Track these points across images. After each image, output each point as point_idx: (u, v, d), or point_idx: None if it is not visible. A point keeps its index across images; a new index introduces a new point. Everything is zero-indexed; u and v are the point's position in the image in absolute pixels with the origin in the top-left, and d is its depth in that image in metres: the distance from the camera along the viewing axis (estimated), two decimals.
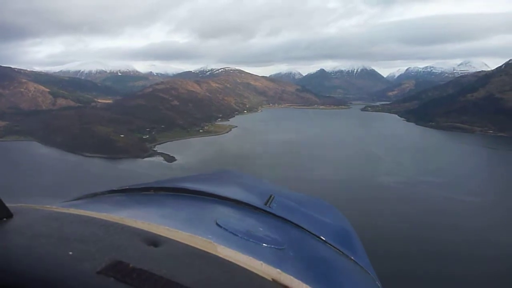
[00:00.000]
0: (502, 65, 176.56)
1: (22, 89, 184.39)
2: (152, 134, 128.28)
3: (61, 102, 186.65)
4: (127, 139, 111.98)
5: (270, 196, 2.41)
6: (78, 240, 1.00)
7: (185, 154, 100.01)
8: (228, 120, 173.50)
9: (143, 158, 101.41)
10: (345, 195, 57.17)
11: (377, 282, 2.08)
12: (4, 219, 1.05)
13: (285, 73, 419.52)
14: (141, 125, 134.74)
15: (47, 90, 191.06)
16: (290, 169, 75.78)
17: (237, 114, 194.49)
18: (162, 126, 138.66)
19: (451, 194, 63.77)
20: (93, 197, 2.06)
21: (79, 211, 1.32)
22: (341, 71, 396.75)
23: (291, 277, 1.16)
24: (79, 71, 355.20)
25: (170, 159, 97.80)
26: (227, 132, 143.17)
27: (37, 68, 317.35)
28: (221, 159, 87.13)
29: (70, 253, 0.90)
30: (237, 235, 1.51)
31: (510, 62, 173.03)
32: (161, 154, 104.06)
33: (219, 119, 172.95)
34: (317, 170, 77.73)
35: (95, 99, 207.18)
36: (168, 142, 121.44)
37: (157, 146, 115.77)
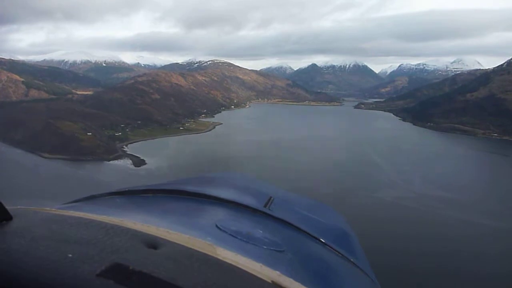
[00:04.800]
0: (504, 63, 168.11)
1: None
2: (125, 132, 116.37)
3: (34, 93, 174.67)
4: (94, 138, 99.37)
5: (270, 198, 2.44)
6: (78, 242, 1.00)
7: (158, 156, 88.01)
8: (213, 117, 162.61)
9: (109, 160, 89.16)
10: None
11: (376, 285, 2.11)
12: (4, 221, 1.05)
13: (276, 67, 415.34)
14: (116, 121, 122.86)
15: (21, 79, 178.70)
16: (277, 179, 64.12)
17: (223, 110, 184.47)
18: (138, 122, 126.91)
19: (467, 216, 53.09)
20: (93, 199, 2.08)
21: (79, 213, 1.33)
22: (333, 66, 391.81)
23: (291, 279, 1.17)
24: (63, 60, 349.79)
25: (139, 162, 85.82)
26: (210, 130, 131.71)
27: (20, 57, 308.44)
28: (198, 164, 75.59)
29: (70, 255, 0.90)
30: (237, 237, 1.53)
31: None
32: (130, 156, 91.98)
33: (203, 115, 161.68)
34: (307, 180, 66.28)
35: (74, 91, 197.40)
36: (141, 141, 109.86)
37: (128, 145, 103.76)
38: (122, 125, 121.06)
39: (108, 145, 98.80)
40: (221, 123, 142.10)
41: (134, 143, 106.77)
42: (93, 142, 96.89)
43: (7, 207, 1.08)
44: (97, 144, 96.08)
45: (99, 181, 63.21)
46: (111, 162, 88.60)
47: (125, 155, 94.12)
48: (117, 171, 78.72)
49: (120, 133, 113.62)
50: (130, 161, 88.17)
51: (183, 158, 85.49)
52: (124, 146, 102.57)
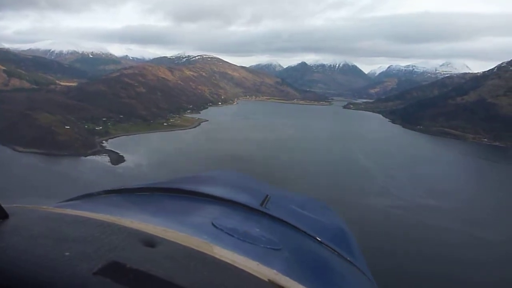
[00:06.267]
0: (494, 68, 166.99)
1: None
2: (106, 126, 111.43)
3: (15, 82, 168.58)
4: (72, 132, 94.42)
5: (266, 197, 2.46)
6: (75, 240, 1.00)
7: (138, 153, 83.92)
8: (199, 113, 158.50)
9: (86, 156, 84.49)
10: None
11: (373, 283, 2.12)
12: (0, 220, 1.05)
13: (265, 64, 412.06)
14: (97, 114, 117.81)
15: (3, 68, 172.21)
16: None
17: (210, 106, 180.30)
18: (121, 116, 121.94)
19: (461, 226, 50.52)
20: (89, 197, 2.08)
21: (76, 211, 1.33)
22: (323, 65, 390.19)
23: (287, 277, 1.17)
24: (49, 50, 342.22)
25: (117, 159, 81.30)
26: (195, 127, 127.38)
27: (5, 45, 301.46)
28: (179, 162, 71.84)
29: (67, 253, 0.90)
30: (233, 236, 1.53)
31: (502, 65, 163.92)
32: (108, 152, 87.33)
33: (188, 111, 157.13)
34: (294, 183, 62.88)
35: (58, 82, 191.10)
36: (123, 136, 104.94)
37: (109, 140, 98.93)
38: (104, 119, 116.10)
39: (86, 140, 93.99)
40: (207, 120, 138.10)
41: (115, 138, 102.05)
42: (71, 135, 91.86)
43: (3, 205, 1.08)
44: (74, 138, 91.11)
45: (69, 181, 58.51)
46: (88, 157, 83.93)
47: (103, 150, 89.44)
48: (92, 168, 73.94)
49: (101, 127, 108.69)
50: (108, 157, 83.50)
51: (164, 155, 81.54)
52: (104, 141, 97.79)
